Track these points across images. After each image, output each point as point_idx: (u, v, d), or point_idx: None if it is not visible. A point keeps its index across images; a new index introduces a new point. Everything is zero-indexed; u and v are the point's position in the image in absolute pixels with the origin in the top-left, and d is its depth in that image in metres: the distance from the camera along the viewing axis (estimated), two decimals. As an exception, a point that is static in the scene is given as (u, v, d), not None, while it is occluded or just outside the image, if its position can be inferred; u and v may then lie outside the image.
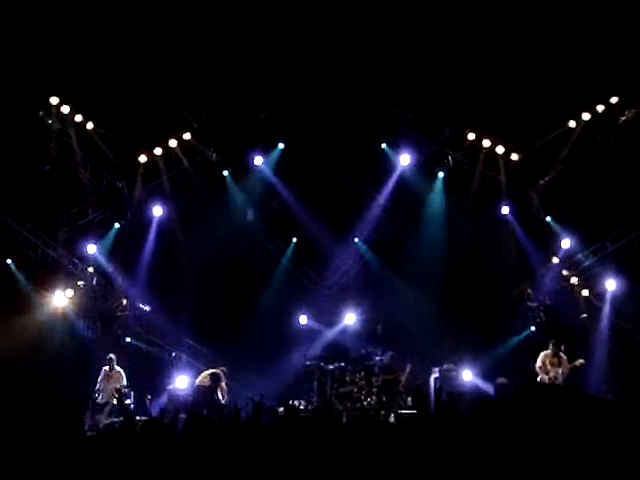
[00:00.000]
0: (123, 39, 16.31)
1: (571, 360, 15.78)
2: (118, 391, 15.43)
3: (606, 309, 17.93)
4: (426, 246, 19.01)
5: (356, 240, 20.03)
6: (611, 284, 17.96)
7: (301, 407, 16.54)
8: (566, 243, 18.69)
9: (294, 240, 20.02)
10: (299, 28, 16.71)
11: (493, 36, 16.77)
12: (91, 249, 18.04)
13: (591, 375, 16.64)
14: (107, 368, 16.06)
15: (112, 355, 16.20)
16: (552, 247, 19.07)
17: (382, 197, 19.71)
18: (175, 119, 18.36)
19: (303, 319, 19.06)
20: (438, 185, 19.52)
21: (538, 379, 15.75)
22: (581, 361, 15.75)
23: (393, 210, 19.80)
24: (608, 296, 18.00)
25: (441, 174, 19.49)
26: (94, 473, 6.25)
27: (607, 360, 17.16)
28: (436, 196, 19.53)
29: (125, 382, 15.97)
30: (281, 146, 19.36)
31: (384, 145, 19.51)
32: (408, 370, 17.04)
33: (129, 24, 16.16)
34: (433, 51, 17.13)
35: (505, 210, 19.26)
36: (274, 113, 18.76)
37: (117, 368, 16.05)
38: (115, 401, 15.58)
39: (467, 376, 16.98)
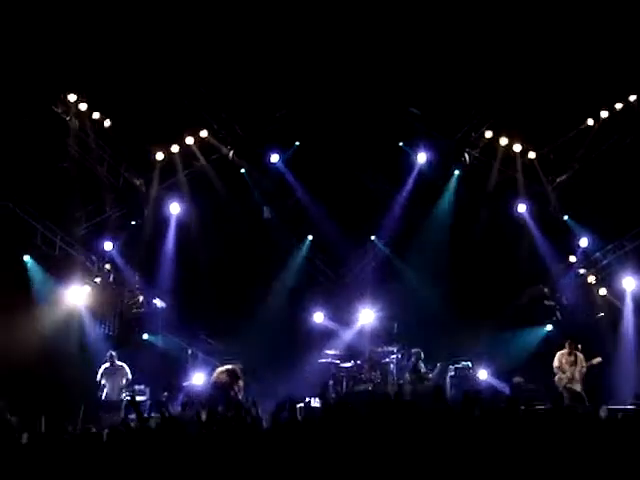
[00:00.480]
0: (141, 37, 16.34)
1: (588, 359, 15.70)
2: (133, 392, 15.55)
3: (628, 308, 17.74)
4: (443, 244, 18.96)
5: (373, 238, 19.99)
6: (629, 282, 17.83)
7: (317, 405, 16.53)
8: (584, 242, 18.59)
9: (310, 238, 20.00)
10: (316, 27, 16.70)
11: (512, 34, 16.69)
12: (108, 246, 18.12)
13: (615, 375, 16.47)
14: (108, 365, 16.10)
15: (112, 352, 16.28)
16: (569, 245, 18.99)
17: (399, 195, 19.67)
18: (192, 116, 18.38)
19: (319, 317, 19.05)
20: (453, 183, 19.49)
21: (555, 379, 15.69)
22: (598, 359, 15.64)
23: (410, 208, 19.72)
24: (628, 295, 17.83)
25: (457, 172, 19.47)
26: (110, 472, 6.27)
27: (634, 359, 16.99)
28: (452, 194, 19.50)
29: (130, 376, 16.09)
30: (297, 144, 19.39)
31: (401, 143, 19.50)
32: (437, 370, 16.97)
33: (147, 22, 16.18)
34: (451, 49, 17.07)
35: (522, 208, 19.20)
36: (291, 111, 18.74)
37: (119, 363, 16.13)
38: (129, 399, 15.67)
39: (483, 375, 16.92)
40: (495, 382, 16.93)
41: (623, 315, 17.77)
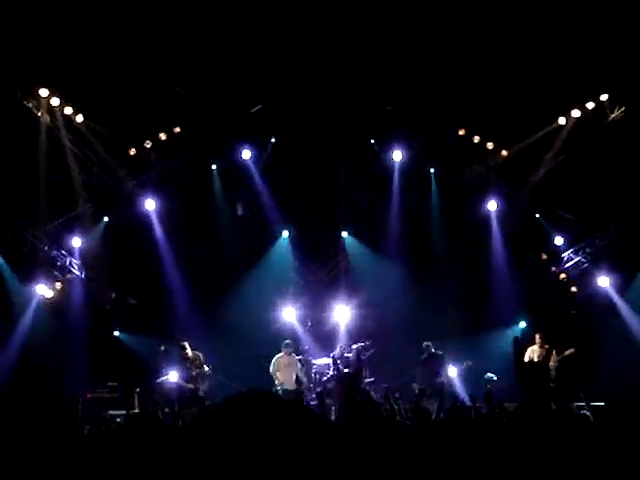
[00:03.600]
0: (115, 32, 16.22)
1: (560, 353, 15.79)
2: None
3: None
4: (416, 241, 19.02)
5: (344, 234, 20.00)
6: (604, 281, 17.96)
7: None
8: (558, 240, 18.72)
9: (284, 234, 19.96)
10: (290, 21, 16.68)
11: (485, 33, 16.77)
12: (76, 242, 17.99)
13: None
14: (281, 354, 16.39)
15: (288, 340, 16.78)
16: (541, 243, 19.12)
17: (372, 191, 19.72)
18: (165, 112, 18.30)
19: (290, 313, 19.06)
20: (432, 180, 19.59)
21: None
22: (571, 350, 15.69)
23: (382, 204, 19.77)
24: (611, 291, 17.88)
25: (432, 170, 19.56)
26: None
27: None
28: (427, 191, 19.59)
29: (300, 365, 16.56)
30: (272, 140, 19.37)
31: (372, 140, 19.54)
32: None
33: (120, 16, 16.07)
34: (424, 46, 17.12)
35: (492, 206, 19.30)
36: (265, 107, 18.71)
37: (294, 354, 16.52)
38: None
39: (452, 372, 16.95)
40: (457, 384, 16.93)
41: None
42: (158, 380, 16.60)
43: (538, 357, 15.75)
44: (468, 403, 12.89)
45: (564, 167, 18.51)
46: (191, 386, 15.46)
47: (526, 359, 15.85)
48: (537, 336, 15.97)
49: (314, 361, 17.44)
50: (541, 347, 15.81)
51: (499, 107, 17.82)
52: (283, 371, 16.37)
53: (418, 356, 16.79)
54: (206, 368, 15.76)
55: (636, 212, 17.64)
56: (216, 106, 18.67)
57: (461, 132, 18.87)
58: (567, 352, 15.67)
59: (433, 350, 16.67)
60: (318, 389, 16.64)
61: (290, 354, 16.61)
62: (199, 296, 18.56)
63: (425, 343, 16.79)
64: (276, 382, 16.24)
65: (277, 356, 16.62)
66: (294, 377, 16.03)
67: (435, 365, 16.44)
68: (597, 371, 15.96)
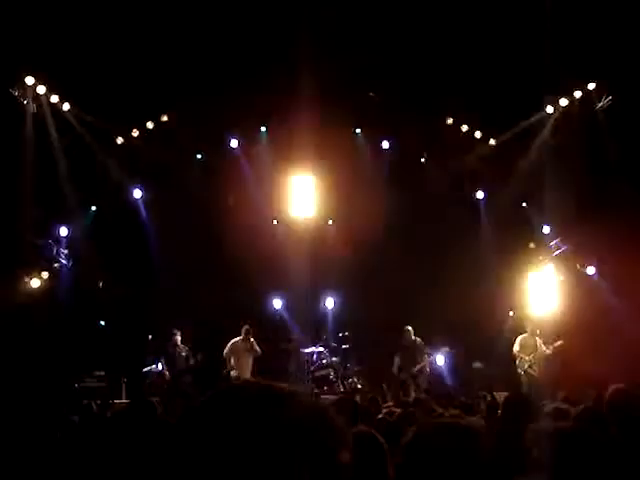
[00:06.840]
0: (101, 16, 16.08)
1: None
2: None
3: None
4: (406, 230, 19.00)
5: (330, 222, 19.97)
6: (591, 270, 18.05)
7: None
8: (546, 229, 18.78)
9: (275, 223, 19.90)
10: (278, 10, 16.60)
11: (472, 19, 16.75)
12: (64, 231, 17.92)
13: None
14: (239, 339, 15.91)
15: (248, 326, 16.22)
16: (528, 233, 19.16)
17: (361, 181, 19.73)
18: (153, 100, 18.19)
19: (278, 303, 19.05)
20: (428, 169, 19.63)
21: (517, 362, 15.85)
22: (559, 342, 15.76)
23: (371, 194, 19.73)
24: (599, 280, 17.93)
25: (422, 160, 19.59)
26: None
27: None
28: (416, 180, 19.61)
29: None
30: (262, 129, 19.31)
31: (358, 130, 19.55)
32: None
33: (107, 1, 15.95)
34: (410, 35, 17.07)
35: (480, 195, 19.35)
36: (255, 96, 18.61)
37: (252, 339, 15.97)
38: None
39: (440, 360, 17.01)
40: (445, 371, 16.96)
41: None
42: (145, 370, 16.60)
43: (527, 347, 15.80)
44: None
45: (551, 156, 18.52)
46: (173, 377, 15.42)
47: (516, 347, 15.91)
48: (528, 327, 16.01)
49: (303, 350, 17.46)
50: (531, 336, 15.87)
51: (487, 96, 17.80)
52: (238, 357, 15.97)
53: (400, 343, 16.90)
54: (191, 360, 15.76)
55: (622, 201, 17.68)
56: (204, 94, 18.56)
57: (449, 121, 18.87)
58: (556, 344, 15.72)
59: (413, 337, 16.69)
60: (309, 377, 16.72)
61: (248, 340, 16.05)
62: (188, 285, 18.51)
63: (406, 327, 16.80)
64: (228, 367, 15.91)
65: (233, 340, 16.17)
66: (250, 366, 15.96)
67: (413, 352, 16.50)
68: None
